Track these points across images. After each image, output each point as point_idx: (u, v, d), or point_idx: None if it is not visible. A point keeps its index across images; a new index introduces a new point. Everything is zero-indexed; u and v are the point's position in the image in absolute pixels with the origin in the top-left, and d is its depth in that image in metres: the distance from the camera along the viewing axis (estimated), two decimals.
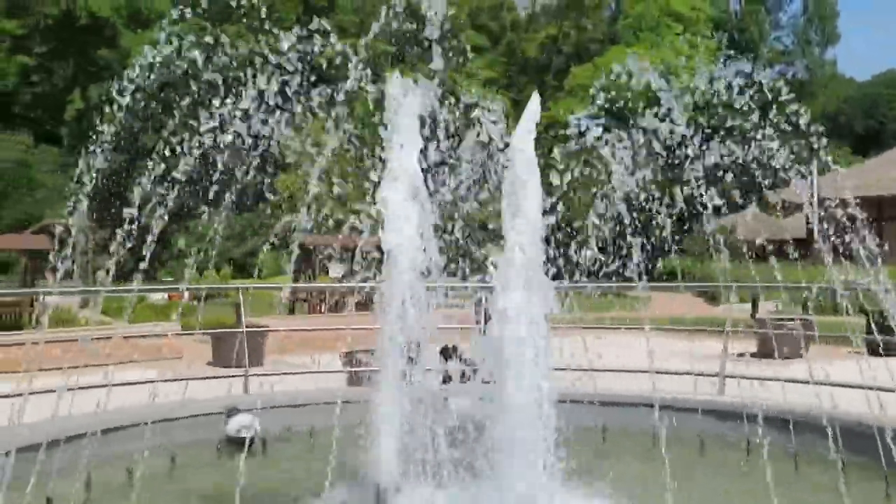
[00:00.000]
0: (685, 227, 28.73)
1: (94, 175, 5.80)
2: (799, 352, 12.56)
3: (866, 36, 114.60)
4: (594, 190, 5.96)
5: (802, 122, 5.70)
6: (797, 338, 12.64)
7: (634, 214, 5.67)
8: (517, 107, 5.65)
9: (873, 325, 5.92)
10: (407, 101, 5.31)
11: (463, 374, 5.47)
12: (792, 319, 14.47)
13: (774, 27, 66.66)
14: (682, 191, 6.32)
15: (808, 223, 29.70)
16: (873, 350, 7.48)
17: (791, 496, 4.04)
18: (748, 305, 18.45)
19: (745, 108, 5.82)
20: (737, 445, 7.10)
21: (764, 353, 11.61)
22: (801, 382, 7.26)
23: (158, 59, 5.87)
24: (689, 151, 6.07)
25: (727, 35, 57.77)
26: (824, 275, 8.53)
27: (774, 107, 6.13)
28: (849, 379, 6.88)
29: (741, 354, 9.69)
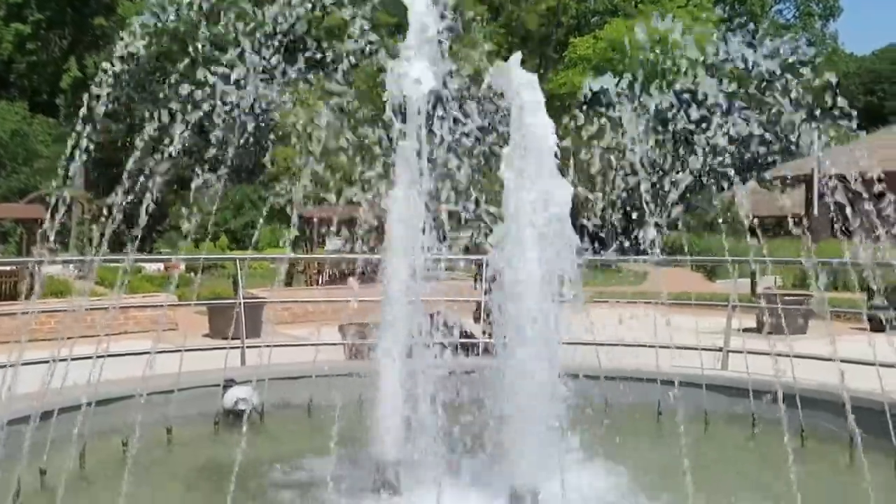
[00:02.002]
0: (686, 202, 28.57)
1: (89, 145, 5.64)
2: (802, 327, 12.52)
3: (868, 10, 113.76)
4: (604, 157, 5.82)
5: (820, 88, 5.54)
6: (800, 313, 12.57)
7: (645, 186, 5.53)
8: None
9: (882, 300, 5.77)
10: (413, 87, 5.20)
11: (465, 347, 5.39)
12: (800, 295, 14.40)
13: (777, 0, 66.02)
14: (688, 163, 6.17)
15: (807, 198, 29.60)
16: (875, 326, 7.37)
17: (797, 470, 3.96)
18: (748, 280, 18.34)
19: (753, 77, 5.67)
20: (742, 420, 7.04)
21: (763, 328, 11.52)
22: (806, 357, 7.17)
23: (155, 22, 5.71)
24: (696, 121, 5.91)
25: (728, 7, 57.28)
26: (824, 250, 8.41)
27: (781, 75, 5.97)
28: (853, 355, 6.78)
29: (746, 329, 9.62)
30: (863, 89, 62.54)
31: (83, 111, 5.52)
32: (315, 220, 26.23)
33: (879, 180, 5.43)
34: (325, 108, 5.73)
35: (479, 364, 5.38)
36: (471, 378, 5.24)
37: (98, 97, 5.51)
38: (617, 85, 5.57)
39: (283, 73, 5.87)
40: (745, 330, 9.98)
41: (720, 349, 8.41)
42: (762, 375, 6.99)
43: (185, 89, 5.49)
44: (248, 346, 8.58)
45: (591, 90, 5.44)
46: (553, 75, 38.62)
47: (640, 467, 5.58)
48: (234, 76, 5.54)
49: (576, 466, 5.16)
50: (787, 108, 5.51)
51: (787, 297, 13.48)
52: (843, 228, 5.92)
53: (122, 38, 5.82)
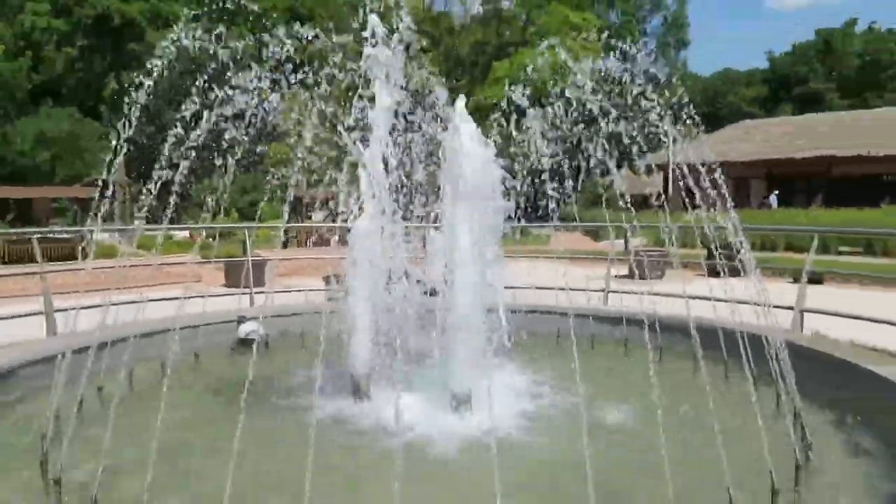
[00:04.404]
0: (578, 183, 28.88)
1: (125, 143, 5.49)
2: (661, 274, 12.82)
3: (709, 43, 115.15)
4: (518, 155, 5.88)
5: (675, 101, 5.66)
6: (660, 263, 12.87)
7: (549, 172, 5.60)
8: (451, 93, 5.54)
9: (718, 253, 5.92)
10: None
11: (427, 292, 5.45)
12: (659, 251, 14.69)
13: (643, 34, 66.44)
14: (582, 155, 6.24)
15: (665, 181, 30.14)
16: (712, 273, 7.61)
17: (655, 372, 4.13)
18: (622, 241, 18.64)
19: (627, 92, 5.76)
20: (618, 341, 7.22)
21: (633, 275, 11.78)
22: (663, 295, 7.36)
23: (174, 47, 5.55)
24: (585, 122, 5.97)
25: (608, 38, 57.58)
26: (677, 218, 8.59)
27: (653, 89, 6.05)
28: (697, 293, 6.97)
29: (622, 276, 9.83)
30: (704, 101, 63.42)
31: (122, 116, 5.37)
32: (304, 198, 25.93)
33: (714, 168, 5.58)
34: (313, 112, 5.66)
35: (432, 302, 5.42)
36: (425, 313, 5.29)
37: (134, 104, 5.34)
38: (524, 96, 5.61)
39: (277, 84, 5.77)
40: (620, 276, 10.19)
41: (602, 290, 8.59)
42: (632, 309, 7.17)
43: (202, 99, 5.37)
44: (255, 293, 8.51)
45: (508, 102, 5.47)
46: (480, 91, 38.42)
47: (544, 372, 5.79)
48: (240, 89, 5.43)
49: (498, 372, 5.30)
50: (650, 116, 5.61)
51: (650, 252, 13.75)
52: (691, 202, 6.06)
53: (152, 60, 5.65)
